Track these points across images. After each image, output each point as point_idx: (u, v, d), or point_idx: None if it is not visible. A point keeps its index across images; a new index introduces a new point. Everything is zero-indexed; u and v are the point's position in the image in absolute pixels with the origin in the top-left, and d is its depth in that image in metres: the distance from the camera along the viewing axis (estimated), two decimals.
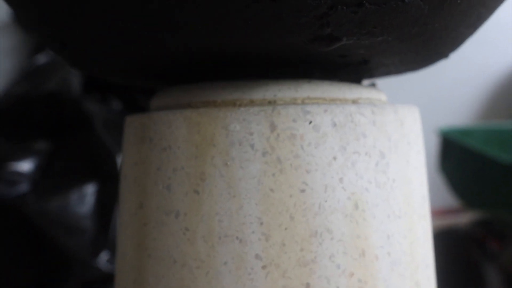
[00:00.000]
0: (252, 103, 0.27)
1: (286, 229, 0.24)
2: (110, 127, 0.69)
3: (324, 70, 0.28)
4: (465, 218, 1.07)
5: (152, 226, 0.27)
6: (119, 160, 0.63)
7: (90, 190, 0.65)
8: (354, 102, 0.28)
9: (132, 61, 0.27)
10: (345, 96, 0.28)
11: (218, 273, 0.25)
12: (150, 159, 0.27)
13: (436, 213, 1.17)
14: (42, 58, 0.75)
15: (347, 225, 0.25)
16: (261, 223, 0.24)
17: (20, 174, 0.63)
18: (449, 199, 1.00)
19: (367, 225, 0.26)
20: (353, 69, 0.29)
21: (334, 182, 0.25)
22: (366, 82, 0.35)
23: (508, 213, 0.85)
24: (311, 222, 0.25)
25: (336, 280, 0.25)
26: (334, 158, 0.25)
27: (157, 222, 0.27)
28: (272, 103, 0.27)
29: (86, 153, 0.69)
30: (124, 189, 0.30)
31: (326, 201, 0.25)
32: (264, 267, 0.24)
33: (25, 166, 0.64)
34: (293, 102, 0.27)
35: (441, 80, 1.20)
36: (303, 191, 0.25)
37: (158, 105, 0.31)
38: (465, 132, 0.95)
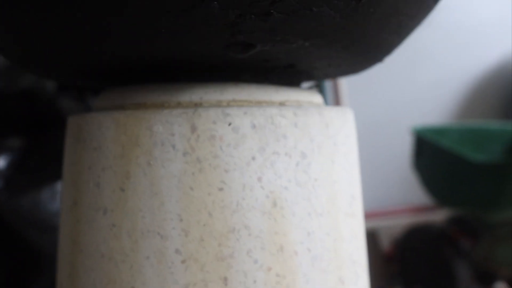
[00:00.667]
0: (179, 105, 0.28)
1: (204, 225, 0.26)
2: None
3: (253, 73, 0.29)
4: (439, 216, 1.09)
5: (83, 223, 0.28)
6: None
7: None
8: (281, 104, 0.29)
9: (66, 65, 0.28)
10: (271, 99, 0.29)
11: (141, 266, 0.26)
12: (83, 159, 0.29)
13: (411, 210, 1.19)
14: None
15: (265, 222, 0.26)
16: (181, 220, 0.26)
17: None
18: (424, 197, 1.02)
19: (286, 222, 0.27)
20: (282, 73, 0.30)
21: (252, 181, 0.26)
22: (307, 84, 0.36)
23: (480, 210, 0.87)
24: (228, 219, 0.26)
25: (254, 274, 0.26)
26: (253, 158, 0.26)
27: (88, 218, 0.28)
28: (198, 105, 0.28)
29: (58, 149, 0.70)
30: (63, 189, 0.31)
31: (244, 199, 0.26)
32: (183, 261, 0.26)
33: None
34: (218, 104, 0.28)
35: (417, 81, 1.21)
36: (221, 189, 0.26)
37: (98, 106, 0.32)
38: (438, 131, 0.96)
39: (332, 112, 0.30)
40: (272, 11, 0.22)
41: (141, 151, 0.26)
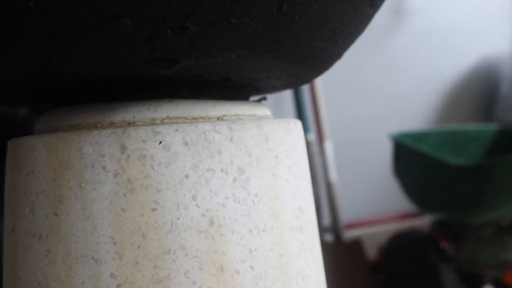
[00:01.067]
0: (112, 125, 0.27)
1: (139, 247, 0.25)
2: None
3: (189, 89, 0.29)
4: (424, 221, 1.08)
5: (20, 249, 0.27)
6: None
7: None
8: (219, 119, 0.29)
9: None
10: (208, 114, 0.28)
11: None
12: (19, 184, 0.28)
13: (396, 217, 1.18)
14: None
15: (202, 241, 0.26)
16: (115, 243, 0.25)
17: None
18: (408, 203, 1.01)
19: (225, 240, 0.26)
20: (219, 87, 0.29)
21: (186, 200, 0.25)
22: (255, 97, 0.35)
23: (461, 214, 0.86)
24: (163, 240, 0.25)
25: None
26: (186, 176, 0.26)
27: (25, 245, 0.27)
28: (131, 124, 0.27)
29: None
30: (5, 215, 0.30)
31: (178, 218, 0.25)
32: (119, 285, 0.25)
33: None
34: (152, 122, 0.27)
35: (395, 87, 1.22)
36: (154, 210, 0.25)
37: (36, 130, 0.31)
38: (416, 137, 0.96)
39: (273, 125, 0.29)
40: (187, 24, 0.22)
41: (72, 174, 0.26)
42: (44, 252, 0.26)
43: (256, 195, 0.27)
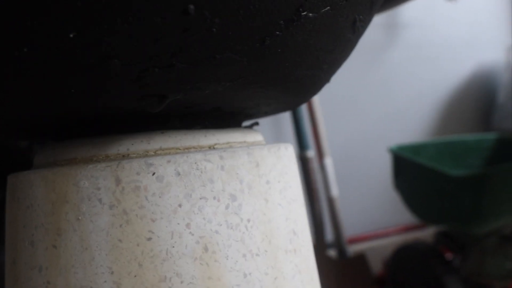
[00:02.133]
0: (107, 158, 0.28)
1: (135, 276, 0.26)
2: None
3: (181, 120, 0.30)
4: (428, 233, 1.08)
5: (21, 282, 0.28)
6: None
7: None
8: (211, 148, 0.30)
9: None
10: (200, 144, 0.29)
11: None
12: (18, 217, 0.29)
13: (400, 230, 1.18)
14: None
15: (197, 268, 0.26)
16: (112, 272, 0.26)
17: None
18: (411, 216, 1.01)
19: (219, 266, 0.27)
20: (210, 116, 0.30)
21: (180, 228, 0.26)
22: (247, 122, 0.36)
23: (462, 224, 0.87)
24: (159, 268, 0.26)
25: None
26: (180, 205, 0.26)
27: (25, 277, 0.28)
28: (125, 156, 0.28)
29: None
30: (6, 249, 0.31)
31: (173, 246, 0.26)
32: None
33: None
34: (145, 154, 0.28)
35: (392, 101, 1.23)
36: (149, 239, 0.26)
37: (35, 164, 0.32)
38: (415, 149, 0.96)
39: (263, 151, 0.30)
40: (174, 62, 0.23)
41: (70, 207, 0.27)
42: (44, 283, 0.27)
43: (248, 221, 0.28)
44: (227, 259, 0.27)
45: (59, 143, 0.31)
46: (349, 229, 1.12)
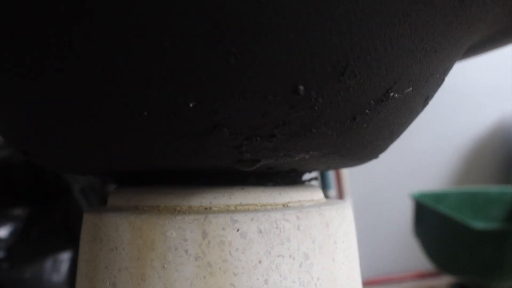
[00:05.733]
0: (190, 209, 0.30)
1: None
2: (87, 194, 0.72)
3: (259, 178, 0.32)
4: (443, 281, 1.09)
5: None
6: None
7: (65, 257, 0.67)
8: (284, 205, 0.32)
9: (85, 169, 0.31)
10: (275, 201, 0.31)
11: None
12: (99, 258, 0.31)
13: (414, 276, 1.19)
14: None
15: None
16: None
17: None
18: (427, 263, 1.02)
19: None
20: (285, 176, 0.32)
21: (259, 283, 0.28)
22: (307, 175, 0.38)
23: (481, 277, 0.87)
24: None
25: None
26: (260, 262, 0.28)
27: None
28: (208, 209, 0.30)
29: (62, 219, 0.71)
30: (78, 283, 0.33)
31: None
32: None
33: (1, 232, 0.66)
34: (227, 209, 0.30)
35: (414, 147, 1.24)
36: None
37: (111, 204, 0.34)
38: (437, 197, 0.98)
39: (332, 211, 0.32)
40: (275, 133, 0.25)
41: (156, 255, 0.28)
42: None
43: (318, 279, 0.30)
44: None
45: (140, 187, 0.32)
46: (364, 271, 1.12)
